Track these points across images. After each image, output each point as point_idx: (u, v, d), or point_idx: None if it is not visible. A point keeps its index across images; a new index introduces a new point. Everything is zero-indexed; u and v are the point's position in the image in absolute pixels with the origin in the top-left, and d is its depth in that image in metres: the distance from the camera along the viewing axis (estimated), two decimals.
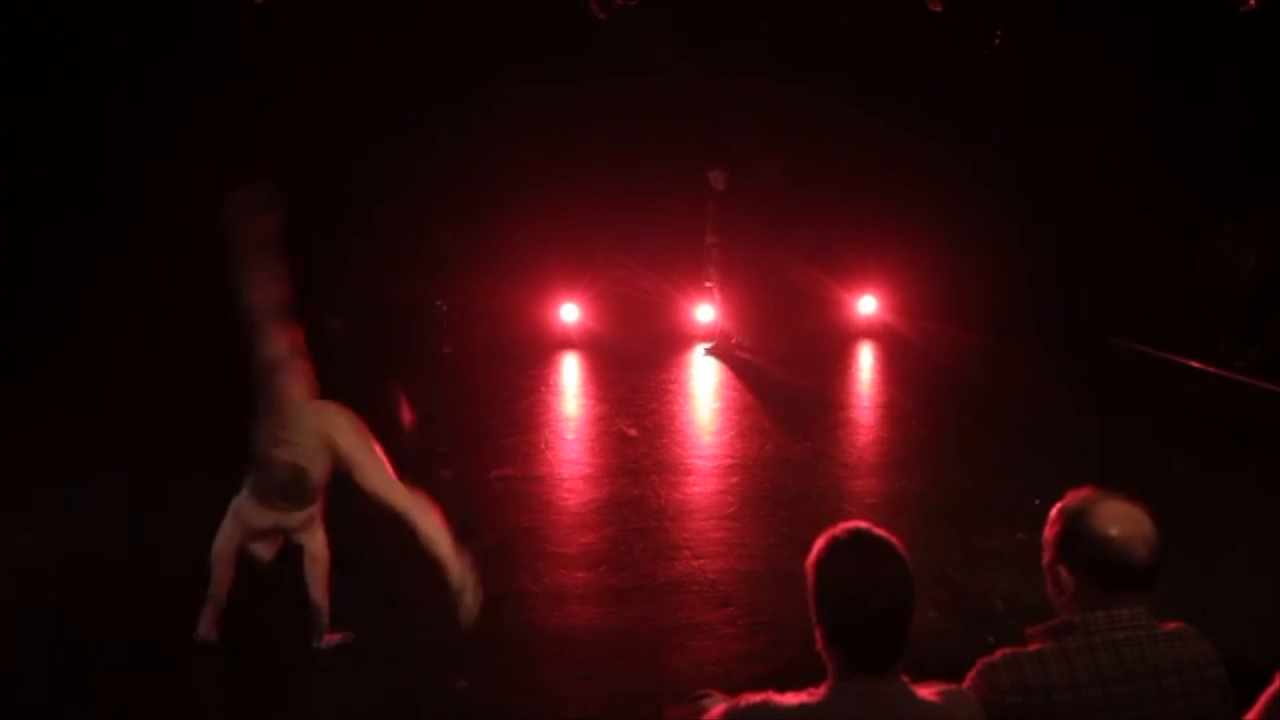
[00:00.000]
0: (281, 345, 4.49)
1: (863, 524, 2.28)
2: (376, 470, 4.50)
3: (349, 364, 10.17)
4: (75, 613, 5.20)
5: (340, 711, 4.60)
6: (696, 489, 7.29)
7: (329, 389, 4.71)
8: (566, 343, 11.83)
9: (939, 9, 11.40)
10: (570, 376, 10.87)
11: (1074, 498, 2.46)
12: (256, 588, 4.85)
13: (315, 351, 4.67)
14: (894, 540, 2.24)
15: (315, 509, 4.72)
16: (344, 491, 4.63)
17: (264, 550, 4.77)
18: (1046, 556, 2.47)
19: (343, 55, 11.35)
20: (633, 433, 8.58)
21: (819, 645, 2.23)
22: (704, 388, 10.43)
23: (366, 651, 4.80)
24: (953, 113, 12.18)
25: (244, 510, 4.66)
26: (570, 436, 8.70)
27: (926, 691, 2.23)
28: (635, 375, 10.54)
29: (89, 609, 5.23)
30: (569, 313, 12.15)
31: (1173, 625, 2.42)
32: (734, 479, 7.47)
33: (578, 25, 11.49)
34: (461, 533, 4.57)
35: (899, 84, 12.09)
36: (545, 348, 11.63)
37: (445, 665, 4.62)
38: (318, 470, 4.56)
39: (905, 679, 2.21)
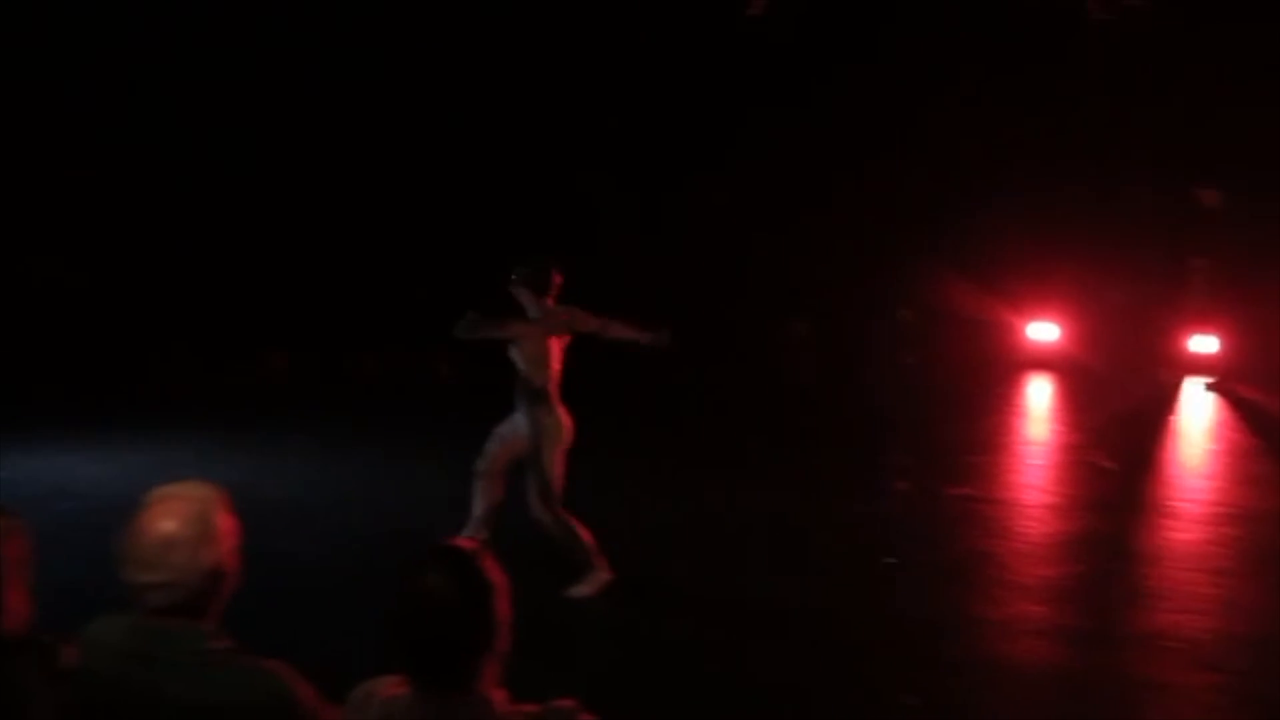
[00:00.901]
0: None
1: None
2: None
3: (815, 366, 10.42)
4: None
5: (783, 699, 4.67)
6: (1181, 535, 6.55)
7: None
8: (1038, 362, 11.18)
9: None
10: (1040, 398, 10.27)
11: None
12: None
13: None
14: None
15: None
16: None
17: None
18: None
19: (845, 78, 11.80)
20: (1109, 465, 7.91)
21: None
22: (1196, 425, 9.38)
23: (854, 666, 4.84)
24: None
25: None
26: (1036, 462, 8.20)
27: None
28: (1114, 404, 9.71)
29: None
30: (1042, 331, 11.46)
31: None
32: (1229, 530, 6.63)
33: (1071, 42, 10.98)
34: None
35: None
36: (1014, 365, 11.08)
37: (894, 683, 4.53)
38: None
39: None
